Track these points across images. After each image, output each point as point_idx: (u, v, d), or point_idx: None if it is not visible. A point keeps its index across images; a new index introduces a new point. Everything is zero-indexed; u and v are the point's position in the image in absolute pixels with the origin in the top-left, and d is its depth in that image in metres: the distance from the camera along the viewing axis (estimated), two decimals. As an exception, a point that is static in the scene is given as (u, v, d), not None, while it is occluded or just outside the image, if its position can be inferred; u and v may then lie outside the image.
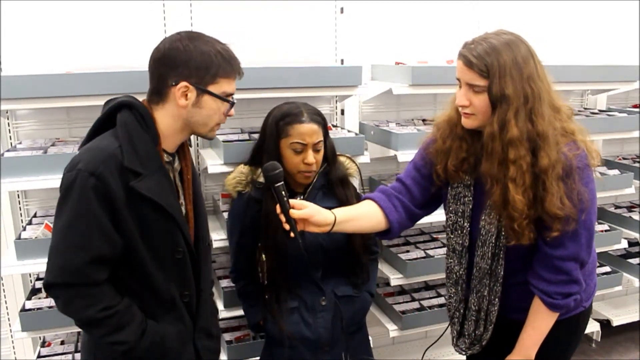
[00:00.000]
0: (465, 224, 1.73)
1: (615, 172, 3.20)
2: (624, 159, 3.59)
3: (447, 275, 1.85)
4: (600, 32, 3.39)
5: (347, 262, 2.04)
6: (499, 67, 1.48)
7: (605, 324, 3.62)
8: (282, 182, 1.62)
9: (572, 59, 3.28)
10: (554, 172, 1.50)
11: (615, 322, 3.58)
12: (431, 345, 2.03)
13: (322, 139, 1.92)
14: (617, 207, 3.63)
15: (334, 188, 1.98)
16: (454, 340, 1.88)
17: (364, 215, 1.78)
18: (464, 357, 2.06)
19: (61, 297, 1.44)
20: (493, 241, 1.66)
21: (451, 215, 1.77)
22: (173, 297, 1.56)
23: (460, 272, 1.79)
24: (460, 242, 1.76)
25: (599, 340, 3.56)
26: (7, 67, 2.34)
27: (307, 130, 1.87)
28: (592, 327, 3.52)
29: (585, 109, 3.45)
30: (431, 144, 1.78)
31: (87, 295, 1.42)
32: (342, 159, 2.09)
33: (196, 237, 1.63)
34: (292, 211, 1.61)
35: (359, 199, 2.04)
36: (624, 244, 3.22)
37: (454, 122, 1.68)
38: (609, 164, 3.42)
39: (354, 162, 2.12)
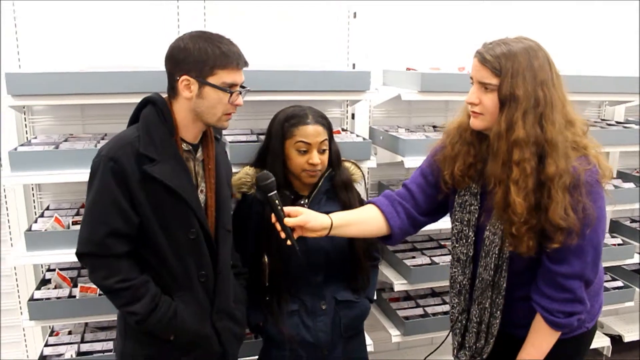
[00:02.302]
0: (470, 233, 1.72)
1: (631, 185, 3.15)
2: (642, 172, 3.52)
3: (450, 285, 1.84)
4: (619, 42, 3.34)
5: (349, 267, 2.06)
6: (512, 68, 1.48)
7: (616, 339, 3.57)
8: (275, 192, 1.66)
9: (590, 70, 3.24)
10: (560, 181, 1.48)
11: (627, 338, 3.52)
12: (432, 352, 2.03)
13: (327, 139, 1.94)
14: (632, 220, 3.56)
15: (337, 192, 2.00)
16: (455, 351, 1.87)
17: (364, 220, 1.79)
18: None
19: (88, 266, 1.67)
20: (496, 252, 1.64)
21: (457, 224, 1.76)
22: (189, 276, 1.71)
23: (464, 283, 1.78)
24: (465, 251, 1.75)
25: (610, 355, 3.51)
26: (25, 65, 2.42)
27: (312, 131, 1.90)
28: (603, 342, 3.48)
29: (602, 120, 3.40)
30: (439, 150, 1.78)
31: (107, 266, 1.62)
32: (347, 164, 2.10)
33: (217, 223, 1.76)
34: (286, 219, 1.65)
35: (362, 204, 2.05)
36: (636, 259, 3.16)
37: (464, 127, 1.68)
38: (625, 176, 3.36)
39: (359, 168, 2.13)
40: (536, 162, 1.49)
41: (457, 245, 1.77)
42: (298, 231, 1.68)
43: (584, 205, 1.49)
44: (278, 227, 1.66)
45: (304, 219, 1.66)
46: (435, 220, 1.88)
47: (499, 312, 1.70)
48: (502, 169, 1.52)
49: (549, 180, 1.48)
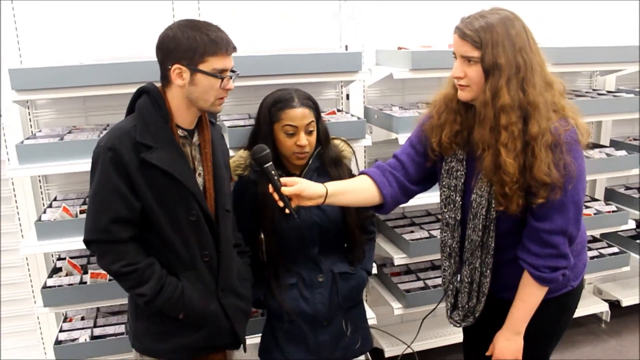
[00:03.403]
0: (458, 197, 1.80)
1: (623, 152, 3.21)
2: (635, 139, 3.57)
3: (441, 249, 1.92)
4: (608, 12, 3.39)
5: (343, 240, 2.14)
6: (492, 39, 1.56)
7: (615, 304, 3.65)
8: (271, 163, 1.73)
9: (580, 41, 3.29)
10: (543, 139, 1.57)
11: (625, 303, 3.61)
12: (427, 315, 2.10)
13: (313, 120, 2.01)
14: (627, 188, 3.64)
15: (327, 168, 2.08)
16: (448, 312, 1.95)
17: (357, 189, 1.87)
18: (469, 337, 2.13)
19: (95, 252, 1.74)
20: (484, 213, 1.72)
21: (445, 189, 1.84)
22: (192, 256, 1.78)
23: (454, 246, 1.86)
24: (453, 216, 1.83)
25: (609, 320, 3.59)
26: (27, 60, 2.49)
27: (299, 114, 1.97)
28: (601, 308, 3.56)
29: (593, 89, 3.45)
30: (427, 120, 1.86)
31: (113, 251, 1.70)
32: (336, 141, 2.17)
33: (216, 204, 1.83)
34: (283, 188, 1.71)
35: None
36: (631, 225, 3.23)
37: (450, 97, 1.76)
38: (617, 144, 3.42)
39: (348, 144, 2.20)
40: (522, 125, 1.58)
41: (445, 210, 1.85)
42: (295, 200, 1.75)
43: (565, 162, 1.58)
44: (276, 196, 1.72)
45: (300, 187, 1.73)
46: (425, 189, 1.96)
47: (488, 271, 1.78)
48: (491, 134, 1.60)
49: (533, 140, 1.57)
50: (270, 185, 1.73)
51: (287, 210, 1.73)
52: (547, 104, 1.59)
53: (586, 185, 1.71)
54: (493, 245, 1.76)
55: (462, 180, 1.78)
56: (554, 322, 1.88)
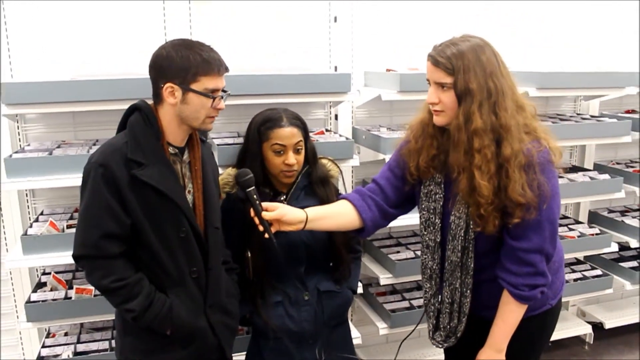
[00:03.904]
0: (437, 220, 1.83)
1: (606, 176, 3.27)
2: (617, 163, 3.64)
3: (422, 271, 1.95)
4: (592, 39, 3.48)
5: (330, 259, 2.16)
6: (463, 65, 1.60)
7: (598, 327, 3.68)
8: (254, 187, 1.77)
9: (564, 66, 3.37)
10: (516, 161, 1.61)
11: (608, 325, 3.64)
12: (408, 335, 2.10)
13: (302, 139, 2.04)
14: (610, 211, 3.70)
15: (314, 188, 2.10)
16: (430, 333, 1.96)
17: (337, 214, 1.90)
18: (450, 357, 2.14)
19: (85, 268, 1.75)
20: (462, 234, 1.76)
21: (424, 212, 1.87)
22: (181, 273, 1.79)
23: (434, 267, 1.89)
24: (433, 237, 1.86)
25: (592, 342, 3.62)
26: (17, 74, 2.50)
27: (287, 133, 2.00)
28: (584, 330, 3.59)
29: (577, 114, 3.52)
30: (404, 145, 1.89)
31: (103, 267, 1.70)
32: (324, 161, 2.20)
33: (205, 221, 1.84)
34: (264, 213, 1.75)
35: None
36: (614, 247, 3.28)
37: (426, 122, 1.80)
38: (600, 168, 3.48)
39: (336, 164, 2.23)
40: (495, 147, 1.62)
41: (425, 232, 1.88)
42: (275, 225, 1.78)
43: (538, 182, 1.62)
44: (256, 220, 1.76)
45: (281, 212, 1.77)
46: (405, 211, 1.99)
47: (468, 291, 1.81)
48: (465, 158, 1.64)
49: (506, 162, 1.61)
50: (251, 210, 1.76)
51: (266, 235, 1.76)
52: (519, 126, 1.64)
53: (560, 203, 1.75)
54: (472, 265, 1.78)
55: (441, 203, 1.82)
56: (533, 341, 1.90)
